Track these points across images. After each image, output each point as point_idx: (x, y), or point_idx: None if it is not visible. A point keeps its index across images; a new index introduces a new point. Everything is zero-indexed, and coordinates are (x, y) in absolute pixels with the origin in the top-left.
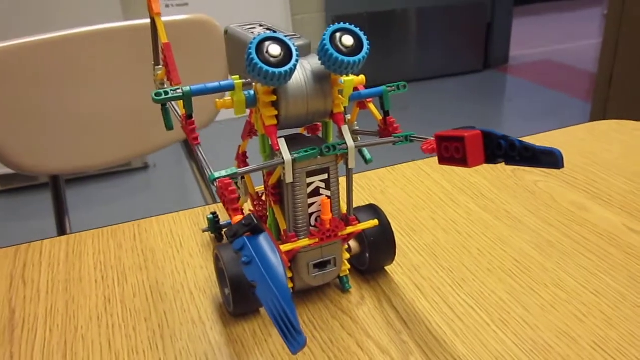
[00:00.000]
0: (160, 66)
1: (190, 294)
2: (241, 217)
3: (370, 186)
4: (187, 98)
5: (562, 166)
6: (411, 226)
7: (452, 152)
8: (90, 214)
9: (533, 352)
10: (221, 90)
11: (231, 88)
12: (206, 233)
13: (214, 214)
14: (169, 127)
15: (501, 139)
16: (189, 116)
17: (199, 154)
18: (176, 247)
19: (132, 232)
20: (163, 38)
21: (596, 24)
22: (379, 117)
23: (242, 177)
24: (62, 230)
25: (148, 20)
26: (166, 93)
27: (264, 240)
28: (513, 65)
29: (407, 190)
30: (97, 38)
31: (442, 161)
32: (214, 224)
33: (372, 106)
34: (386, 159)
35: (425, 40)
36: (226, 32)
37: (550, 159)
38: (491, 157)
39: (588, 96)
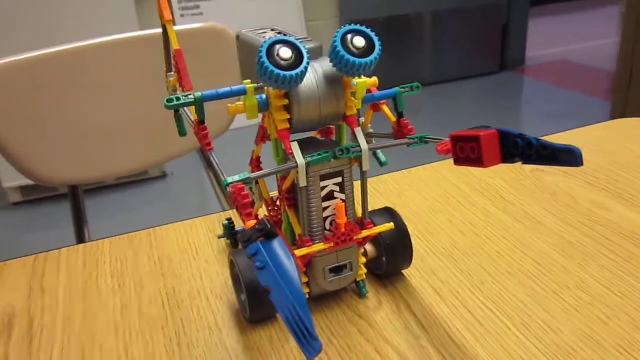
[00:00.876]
0: (172, 72)
1: (207, 300)
2: (255, 222)
3: (386, 190)
4: (199, 103)
5: (581, 164)
6: (428, 229)
7: (467, 152)
8: (109, 223)
9: (556, 356)
10: (233, 95)
11: (243, 93)
12: (222, 239)
13: (229, 220)
14: (182, 133)
15: (518, 137)
16: (201, 122)
17: (213, 159)
18: (192, 254)
19: (149, 240)
20: (175, 45)
21: (613, 22)
22: (393, 119)
23: (257, 182)
24: (80, 239)
25: (161, 30)
26: (178, 99)
27: (277, 245)
28: (530, 67)
29: (423, 193)
30: (112, 48)
31: (457, 162)
32: (229, 230)
33: (385, 108)
34: (402, 161)
35: (441, 44)
36: (238, 37)
37: (569, 157)
38: (508, 157)
39: (607, 95)
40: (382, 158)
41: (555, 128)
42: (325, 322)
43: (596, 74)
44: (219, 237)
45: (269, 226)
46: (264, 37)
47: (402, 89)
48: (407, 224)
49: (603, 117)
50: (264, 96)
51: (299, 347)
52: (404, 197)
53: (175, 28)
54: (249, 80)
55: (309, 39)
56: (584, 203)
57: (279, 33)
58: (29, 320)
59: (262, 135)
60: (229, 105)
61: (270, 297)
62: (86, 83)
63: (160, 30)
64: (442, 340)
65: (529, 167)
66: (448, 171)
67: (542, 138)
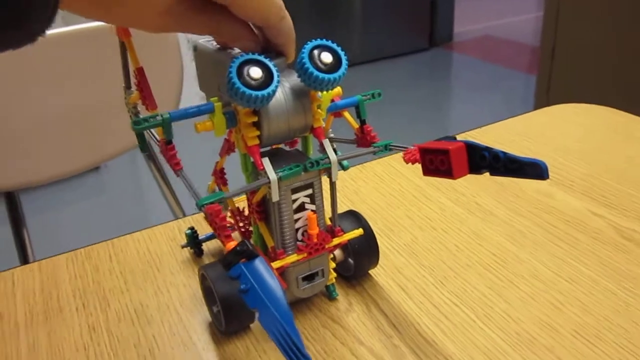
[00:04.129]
0: (131, 90)
1: (177, 314)
2: (234, 243)
3: (343, 187)
4: (166, 125)
5: (547, 177)
6: (388, 226)
7: (437, 164)
8: (45, 222)
9: (519, 345)
10: (201, 113)
11: (211, 111)
12: (185, 249)
13: (192, 229)
14: (143, 150)
15: (484, 150)
16: (168, 142)
17: (184, 179)
18: (155, 265)
19: (107, 253)
20: (135, 63)
21: None
22: (355, 125)
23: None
24: (20, 243)
25: (85, 26)
26: (146, 120)
27: (260, 265)
28: (457, 42)
29: (379, 189)
30: (38, 46)
31: (426, 172)
32: (193, 239)
33: (347, 115)
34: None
35: (371, 22)
36: (195, 48)
37: (535, 171)
38: (475, 168)
39: (529, 68)
40: (345, 162)
41: (482, 100)
42: (300, 328)
43: (519, 48)
44: (183, 247)
45: (250, 247)
46: (225, 49)
47: (364, 97)
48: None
49: (525, 89)
50: (231, 112)
51: None
52: (361, 194)
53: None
54: (216, 98)
55: (274, 53)
56: (530, 192)
57: None
58: None
59: (227, 148)
60: (197, 123)
61: (259, 319)
62: (13, 82)
63: (83, 26)
64: (413, 337)
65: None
66: (401, 165)
67: (508, 152)
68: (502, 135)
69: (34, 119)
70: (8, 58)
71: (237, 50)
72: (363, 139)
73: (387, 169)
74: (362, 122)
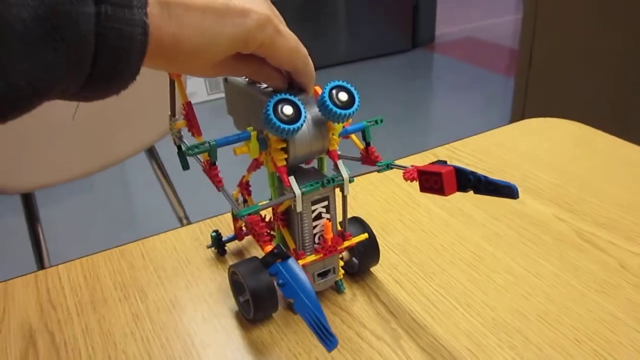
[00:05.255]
0: (177, 117)
1: (207, 304)
2: (271, 246)
3: None
4: (213, 150)
5: (518, 197)
6: (384, 228)
7: (431, 183)
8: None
9: (495, 328)
10: (240, 140)
11: (248, 138)
12: (208, 249)
13: (216, 231)
14: (185, 168)
15: (470, 174)
16: (212, 163)
17: (225, 194)
18: (183, 262)
19: (139, 252)
20: (183, 98)
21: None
22: (361, 146)
23: (245, 201)
24: (35, 240)
25: None
26: (196, 147)
27: (292, 264)
28: (439, 44)
29: (375, 195)
30: None
31: (423, 189)
32: (217, 241)
33: (354, 137)
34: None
35: (355, 24)
36: (226, 79)
37: (508, 192)
38: (462, 188)
39: (508, 71)
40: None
41: (462, 100)
42: None
43: (500, 50)
44: (208, 247)
45: (284, 250)
46: (250, 82)
47: (369, 123)
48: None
49: (504, 91)
50: (263, 139)
51: (321, 343)
52: (359, 200)
53: None
54: (252, 128)
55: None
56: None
57: None
58: (49, 334)
59: (255, 166)
60: (235, 148)
61: (294, 307)
62: None
63: None
64: (408, 322)
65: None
66: (393, 174)
67: (489, 176)
68: (480, 146)
69: (46, 122)
70: None
71: (264, 85)
72: (368, 158)
73: (381, 178)
74: (367, 144)
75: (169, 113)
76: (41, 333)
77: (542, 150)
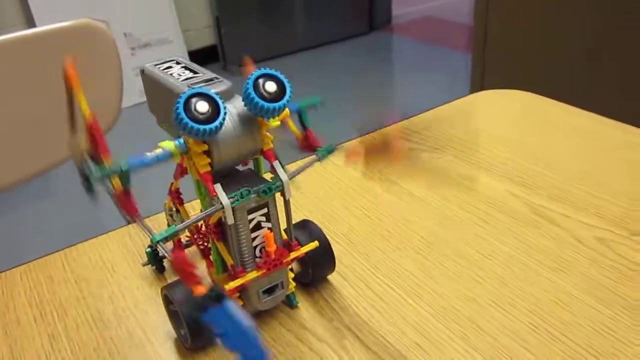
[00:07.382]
0: (77, 134)
1: (134, 316)
2: (203, 288)
3: None
4: (124, 175)
5: None
6: (328, 218)
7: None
8: None
9: (445, 318)
10: (159, 162)
11: (169, 158)
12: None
13: (151, 247)
14: (91, 192)
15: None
16: (126, 192)
17: (141, 224)
18: (109, 271)
19: (61, 262)
20: (86, 112)
21: None
22: (297, 132)
23: (178, 211)
24: None
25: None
26: (105, 170)
27: (231, 307)
28: (396, 25)
29: (318, 182)
30: None
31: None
32: (153, 257)
33: (290, 122)
34: (289, 153)
35: (312, 9)
36: (143, 71)
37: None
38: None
39: (467, 48)
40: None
41: (424, 80)
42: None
43: (458, 28)
44: (144, 265)
45: (220, 291)
46: (170, 74)
47: (305, 106)
48: (308, 215)
49: (466, 69)
50: (181, 141)
51: None
52: (302, 188)
53: (45, 27)
54: (171, 143)
55: (220, 79)
56: (455, 177)
57: (185, 67)
58: None
59: (181, 172)
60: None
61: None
62: None
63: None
64: (352, 318)
65: (407, 146)
66: (338, 158)
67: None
68: (429, 123)
69: None
70: None
71: (182, 75)
72: (307, 145)
73: (325, 163)
74: (305, 128)
75: (69, 127)
76: None
77: (494, 123)
